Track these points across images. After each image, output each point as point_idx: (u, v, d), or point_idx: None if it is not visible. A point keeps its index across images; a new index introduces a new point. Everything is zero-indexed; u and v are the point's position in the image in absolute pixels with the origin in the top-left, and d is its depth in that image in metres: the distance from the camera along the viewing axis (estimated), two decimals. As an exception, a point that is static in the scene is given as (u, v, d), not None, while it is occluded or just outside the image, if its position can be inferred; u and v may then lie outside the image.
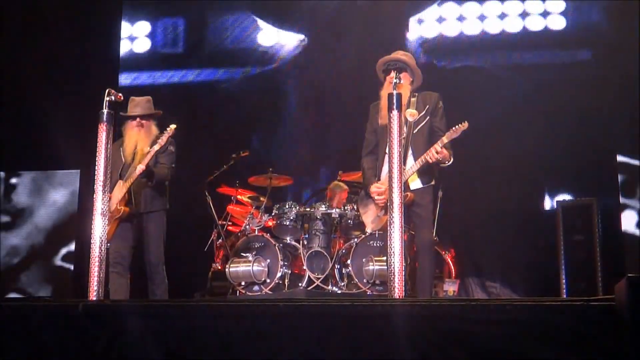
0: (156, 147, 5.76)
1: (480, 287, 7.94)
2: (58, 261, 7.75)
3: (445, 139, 5.15)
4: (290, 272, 6.86)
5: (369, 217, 5.50)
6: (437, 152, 5.10)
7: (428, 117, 5.30)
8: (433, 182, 5.38)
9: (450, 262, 7.11)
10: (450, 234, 7.49)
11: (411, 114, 5.24)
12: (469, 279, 7.92)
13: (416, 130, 5.26)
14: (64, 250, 7.75)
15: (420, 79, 5.49)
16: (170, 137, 5.82)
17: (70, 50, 8.70)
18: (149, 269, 5.88)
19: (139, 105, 5.99)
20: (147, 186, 5.85)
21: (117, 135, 5.98)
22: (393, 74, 4.79)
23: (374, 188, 5.31)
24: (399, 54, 5.45)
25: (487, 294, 7.85)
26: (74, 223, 7.77)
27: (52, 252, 7.79)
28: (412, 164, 5.21)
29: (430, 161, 5.14)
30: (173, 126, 5.84)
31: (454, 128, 5.19)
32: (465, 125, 5.18)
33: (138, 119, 5.96)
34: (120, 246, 5.80)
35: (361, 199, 5.68)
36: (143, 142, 5.91)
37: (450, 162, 5.23)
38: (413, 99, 5.36)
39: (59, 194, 7.90)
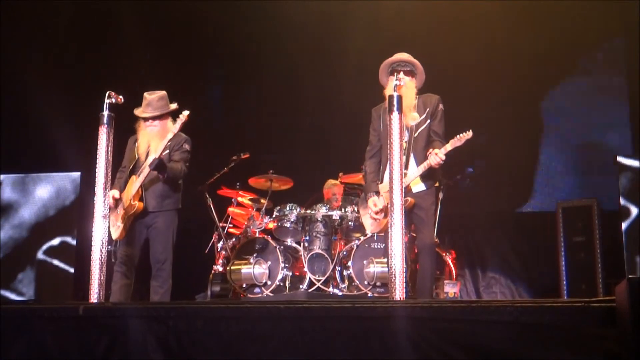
0: (169, 136, 5.53)
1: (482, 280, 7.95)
2: (40, 255, 7.75)
3: (449, 147, 5.09)
4: (291, 274, 6.86)
5: (369, 219, 5.49)
6: (441, 159, 5.07)
7: (429, 120, 5.27)
8: (437, 184, 5.37)
9: (450, 263, 7.11)
10: (451, 235, 7.50)
11: (412, 117, 5.22)
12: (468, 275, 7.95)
13: (417, 133, 5.23)
14: (45, 246, 7.75)
15: (423, 79, 5.44)
16: (183, 124, 5.50)
17: (72, 52, 8.73)
18: (154, 267, 5.66)
19: (150, 105, 5.69)
20: (160, 181, 5.61)
21: (133, 131, 5.82)
22: (402, 75, 4.77)
23: (371, 203, 5.30)
24: (404, 56, 5.41)
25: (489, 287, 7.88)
26: (57, 219, 7.78)
27: (35, 247, 7.78)
28: (414, 169, 5.18)
29: (435, 167, 5.12)
30: (186, 112, 5.50)
31: (458, 136, 5.11)
32: (470, 134, 5.11)
33: (150, 121, 5.70)
34: (129, 246, 5.63)
35: (361, 201, 5.67)
36: (157, 140, 5.65)
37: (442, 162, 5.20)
38: (415, 102, 5.34)
39: (42, 191, 7.91)
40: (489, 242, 8.05)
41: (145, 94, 5.73)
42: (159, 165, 5.52)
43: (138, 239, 5.68)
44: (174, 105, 5.76)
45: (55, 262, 7.68)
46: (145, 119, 5.71)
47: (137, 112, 5.73)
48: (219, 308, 3.73)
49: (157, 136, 5.67)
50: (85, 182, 7.58)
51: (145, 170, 5.57)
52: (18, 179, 7.93)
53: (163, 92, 5.78)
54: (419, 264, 5.26)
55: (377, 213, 5.27)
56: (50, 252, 7.72)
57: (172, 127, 5.56)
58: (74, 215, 7.74)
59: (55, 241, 7.73)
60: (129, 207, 5.58)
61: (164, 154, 5.62)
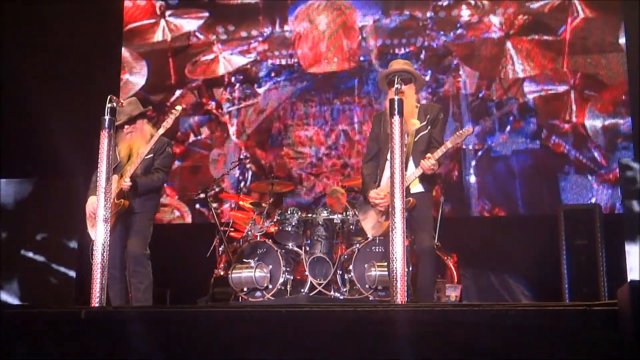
0: (161, 131, 5.61)
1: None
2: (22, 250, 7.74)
3: (449, 144, 5.16)
4: (292, 278, 6.86)
5: (369, 223, 5.49)
6: (432, 165, 5.10)
7: (429, 127, 5.31)
8: (436, 188, 5.38)
9: (452, 267, 7.11)
10: (452, 238, 7.49)
11: (412, 123, 5.27)
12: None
13: (417, 138, 5.28)
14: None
15: (423, 83, 5.52)
16: (175, 118, 5.62)
17: (73, 58, 8.76)
18: (132, 261, 5.61)
19: (122, 111, 5.70)
20: (135, 195, 5.67)
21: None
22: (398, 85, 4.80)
23: (373, 194, 5.30)
24: (400, 63, 5.45)
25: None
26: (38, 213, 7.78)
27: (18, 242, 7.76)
28: (413, 170, 5.21)
29: (427, 173, 5.15)
30: (179, 108, 5.65)
31: (458, 133, 5.21)
32: (470, 130, 5.24)
33: (126, 127, 5.76)
34: (114, 249, 5.43)
35: (360, 205, 5.66)
36: (138, 143, 5.74)
37: (436, 169, 5.22)
38: (415, 109, 5.38)
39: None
40: (491, 246, 8.03)
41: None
42: (132, 185, 5.59)
43: (122, 241, 5.66)
44: (146, 108, 5.89)
45: (56, 266, 7.66)
46: (121, 126, 5.74)
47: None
48: (221, 312, 3.73)
49: (137, 139, 5.75)
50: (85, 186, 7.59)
51: (129, 172, 5.59)
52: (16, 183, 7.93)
53: (133, 98, 5.94)
54: (419, 267, 5.26)
55: (382, 199, 5.24)
56: (49, 255, 7.71)
57: (164, 122, 5.61)
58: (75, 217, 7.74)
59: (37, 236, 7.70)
60: (113, 206, 5.48)
61: (147, 157, 5.68)
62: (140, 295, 5.57)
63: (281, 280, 6.73)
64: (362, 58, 8.87)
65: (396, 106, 4.29)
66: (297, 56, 9.08)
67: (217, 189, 8.50)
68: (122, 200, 5.60)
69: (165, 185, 5.96)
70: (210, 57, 9.37)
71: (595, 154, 7.97)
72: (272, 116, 9.03)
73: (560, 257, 6.81)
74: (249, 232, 7.20)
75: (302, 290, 6.78)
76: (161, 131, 5.63)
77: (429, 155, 5.14)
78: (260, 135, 9.05)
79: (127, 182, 5.55)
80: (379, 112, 5.55)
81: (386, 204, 5.16)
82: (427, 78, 8.49)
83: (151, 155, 5.74)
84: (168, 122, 5.61)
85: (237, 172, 8.78)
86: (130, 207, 5.65)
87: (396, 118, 4.27)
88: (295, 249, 7.03)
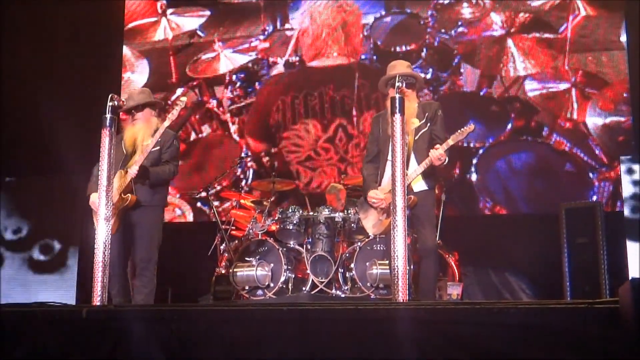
0: (166, 123, 5.50)
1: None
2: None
3: (450, 141, 5.18)
4: (293, 276, 6.85)
5: (370, 221, 5.50)
6: (441, 155, 5.12)
7: (429, 124, 5.34)
8: (438, 186, 5.40)
9: (453, 265, 7.10)
10: (454, 236, 7.48)
11: (412, 122, 5.29)
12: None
13: (417, 136, 5.30)
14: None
15: (422, 87, 5.56)
16: (182, 108, 5.52)
17: (74, 57, 8.76)
18: (138, 266, 5.48)
19: (131, 98, 5.66)
20: (145, 184, 5.54)
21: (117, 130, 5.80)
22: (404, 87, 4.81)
23: (372, 193, 5.33)
24: (403, 66, 5.45)
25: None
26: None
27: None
28: (415, 168, 5.22)
29: (436, 164, 5.16)
30: (184, 99, 5.58)
31: (460, 130, 5.22)
32: (472, 127, 5.24)
33: (133, 112, 5.67)
34: (118, 245, 5.34)
35: (361, 204, 5.68)
36: (143, 132, 5.62)
37: (445, 162, 5.23)
38: (415, 110, 5.40)
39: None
40: (492, 244, 8.03)
41: (128, 91, 5.76)
42: (143, 173, 5.49)
43: (125, 236, 5.52)
44: (156, 99, 5.84)
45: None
46: (128, 112, 5.68)
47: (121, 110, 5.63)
48: (222, 310, 3.74)
49: (142, 129, 5.65)
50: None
51: (135, 167, 5.46)
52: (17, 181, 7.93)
53: (145, 88, 5.88)
54: (421, 265, 5.27)
55: (379, 202, 5.26)
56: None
57: (170, 114, 5.53)
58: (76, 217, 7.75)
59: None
60: (119, 201, 5.40)
61: (155, 149, 5.59)
62: (141, 299, 5.48)
63: (282, 278, 6.73)
64: (362, 56, 8.87)
65: (397, 104, 4.29)
66: (298, 54, 9.08)
67: (218, 188, 8.51)
68: (128, 195, 5.47)
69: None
70: (211, 55, 9.37)
71: (597, 152, 7.97)
72: (271, 111, 9.02)
73: (561, 255, 6.81)
74: (250, 231, 7.20)
75: (304, 288, 6.78)
76: (167, 123, 5.52)
77: (437, 145, 5.16)
78: (259, 131, 9.04)
79: (135, 169, 5.41)
80: (377, 113, 5.56)
81: (384, 204, 5.21)
82: (429, 76, 8.49)
83: (158, 147, 5.63)
84: (173, 114, 5.51)
85: (238, 171, 8.79)
86: (136, 201, 5.53)
87: (397, 116, 4.27)
88: (297, 247, 7.03)
